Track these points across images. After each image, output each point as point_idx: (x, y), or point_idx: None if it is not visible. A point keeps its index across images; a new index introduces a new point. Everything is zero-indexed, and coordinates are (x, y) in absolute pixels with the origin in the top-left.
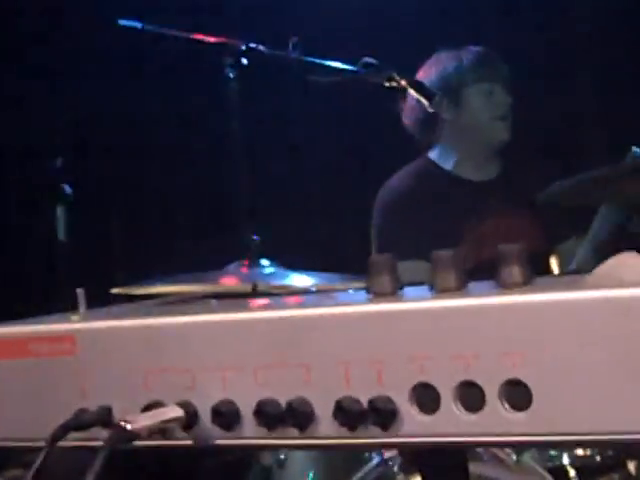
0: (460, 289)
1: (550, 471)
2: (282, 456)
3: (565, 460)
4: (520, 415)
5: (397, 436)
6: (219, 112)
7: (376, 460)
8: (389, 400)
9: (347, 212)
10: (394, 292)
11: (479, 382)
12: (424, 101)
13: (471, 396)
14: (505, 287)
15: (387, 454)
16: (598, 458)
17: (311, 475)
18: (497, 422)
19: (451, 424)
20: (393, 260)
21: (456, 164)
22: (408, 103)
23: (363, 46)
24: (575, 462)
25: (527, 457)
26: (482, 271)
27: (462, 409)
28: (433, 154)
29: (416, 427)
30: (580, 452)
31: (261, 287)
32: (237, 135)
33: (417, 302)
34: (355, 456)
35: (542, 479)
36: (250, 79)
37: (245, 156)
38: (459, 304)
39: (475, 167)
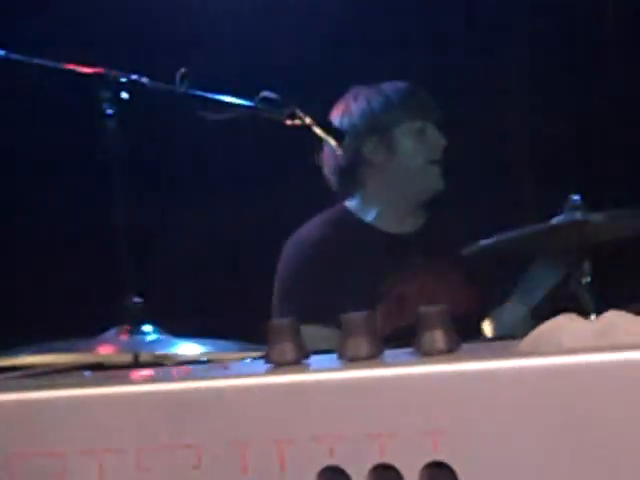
0: (374, 357)
1: None
2: None
3: None
4: None
5: None
6: (95, 154)
7: None
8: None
9: (244, 270)
10: (298, 361)
11: (396, 465)
12: (332, 142)
13: None
14: (426, 355)
15: None
16: None
17: None
18: None
19: None
20: (297, 324)
21: (378, 215)
22: (327, 149)
23: (263, 79)
24: None
25: None
26: (402, 337)
27: None
28: (351, 203)
29: None
30: None
31: (143, 357)
32: (116, 181)
33: (324, 373)
34: None
35: None
36: (131, 115)
37: (125, 206)
38: (372, 375)
39: (398, 218)
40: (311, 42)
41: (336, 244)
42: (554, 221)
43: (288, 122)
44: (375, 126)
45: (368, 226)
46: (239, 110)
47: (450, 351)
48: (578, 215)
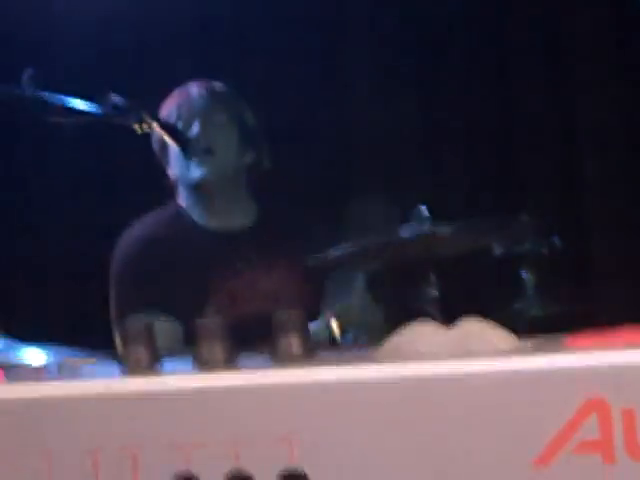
0: (230, 362)
1: None
2: None
3: None
4: None
5: None
6: None
7: None
8: None
9: (90, 273)
10: (152, 365)
11: (252, 473)
12: (176, 147)
13: None
14: (282, 360)
15: None
16: None
17: None
18: None
19: None
20: (151, 327)
21: (205, 212)
22: (171, 152)
23: (113, 81)
24: None
25: None
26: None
27: None
28: (182, 200)
29: None
30: None
31: None
32: None
33: (178, 379)
34: None
35: None
36: None
37: None
38: (225, 382)
39: (222, 214)
40: (153, 43)
41: (167, 242)
42: (402, 233)
43: (136, 128)
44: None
45: (195, 224)
46: (87, 115)
47: (306, 357)
48: (425, 227)
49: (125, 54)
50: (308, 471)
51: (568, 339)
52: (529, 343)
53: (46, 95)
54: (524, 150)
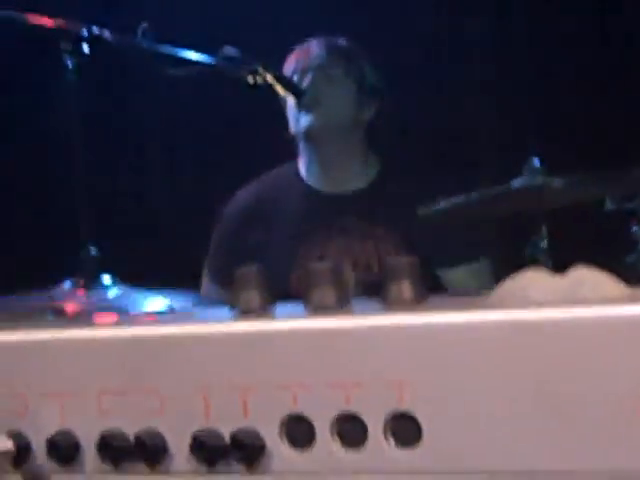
0: (341, 307)
1: None
2: None
3: None
4: (407, 452)
5: (264, 475)
6: (55, 107)
7: None
8: (256, 434)
9: (204, 223)
10: (263, 309)
11: (361, 415)
12: (292, 99)
13: (351, 431)
14: (393, 306)
15: None
16: None
17: None
18: (381, 460)
19: (328, 462)
20: (263, 273)
21: (309, 172)
22: (289, 107)
23: (224, 34)
24: None
25: None
26: None
27: (340, 445)
28: (300, 159)
29: (286, 465)
30: None
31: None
32: (75, 134)
33: (291, 321)
34: None
35: None
36: (92, 70)
37: (84, 157)
38: (339, 325)
39: (336, 174)
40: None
41: (271, 200)
42: (513, 184)
43: (250, 80)
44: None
45: (305, 185)
46: (201, 67)
47: (417, 302)
48: (538, 179)
49: (243, 6)
50: (417, 414)
51: None
52: None
53: (161, 47)
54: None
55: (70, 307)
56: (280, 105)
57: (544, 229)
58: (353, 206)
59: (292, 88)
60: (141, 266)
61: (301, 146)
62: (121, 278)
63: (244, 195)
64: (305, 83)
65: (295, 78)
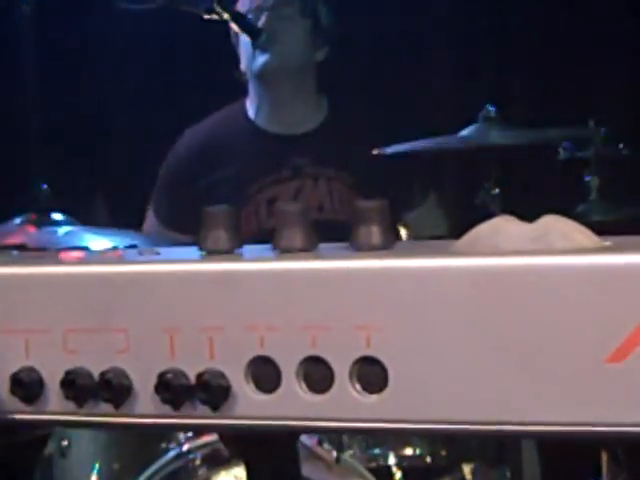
0: (309, 250)
1: (373, 472)
2: (65, 443)
3: (391, 460)
4: (373, 398)
5: (229, 417)
6: (8, 37)
7: (174, 452)
8: (221, 375)
9: (156, 161)
10: (232, 250)
11: (327, 358)
12: (247, 38)
13: (317, 374)
14: (361, 250)
15: (187, 445)
16: (429, 459)
17: (97, 467)
18: (346, 405)
19: (293, 405)
20: (232, 212)
21: (257, 112)
22: (242, 45)
23: None
24: (402, 462)
25: (348, 456)
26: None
27: (306, 389)
28: (250, 98)
29: (252, 407)
30: (409, 452)
31: None
32: (26, 65)
33: (259, 263)
34: (149, 447)
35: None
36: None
37: (35, 93)
38: (308, 267)
39: (287, 114)
40: None
41: (220, 139)
42: (467, 131)
43: (206, 16)
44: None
45: (253, 125)
46: (158, 1)
47: (385, 247)
48: (492, 126)
49: None
50: (384, 359)
51: None
52: (609, 242)
53: None
54: (595, 59)
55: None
56: (231, 43)
57: (497, 178)
58: (303, 147)
59: (248, 27)
60: (92, 205)
61: (252, 86)
62: (72, 216)
63: (193, 134)
64: (260, 22)
65: (249, 17)
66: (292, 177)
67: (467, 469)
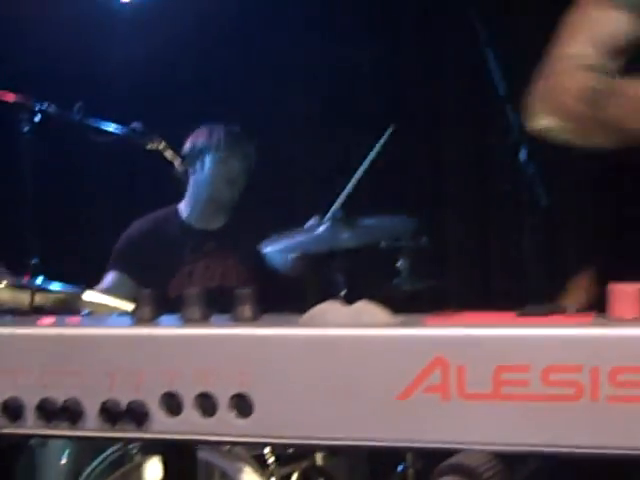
0: (205, 320)
1: (254, 457)
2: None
3: (266, 450)
4: (244, 421)
5: (148, 432)
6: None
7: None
8: (143, 404)
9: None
10: (152, 319)
11: (214, 393)
12: (175, 162)
13: (207, 404)
14: (237, 320)
15: None
16: (291, 449)
17: (67, 452)
18: (226, 426)
19: (190, 426)
20: (154, 294)
21: (191, 214)
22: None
23: (135, 112)
24: (274, 450)
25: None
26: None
27: (200, 414)
28: (180, 204)
29: (163, 426)
30: None
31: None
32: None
33: (170, 329)
34: None
35: (247, 464)
36: (41, 133)
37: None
38: (204, 332)
39: (205, 218)
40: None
41: (156, 231)
42: (318, 230)
43: (147, 146)
44: (196, 153)
45: (183, 222)
46: (116, 135)
47: (254, 319)
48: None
49: (153, 92)
50: (251, 394)
51: (427, 317)
52: (401, 318)
53: (89, 120)
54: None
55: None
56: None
57: (340, 262)
58: (214, 238)
59: (178, 155)
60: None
61: (197, 200)
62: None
63: (139, 224)
64: (207, 161)
65: (197, 153)
66: (204, 259)
67: (319, 456)
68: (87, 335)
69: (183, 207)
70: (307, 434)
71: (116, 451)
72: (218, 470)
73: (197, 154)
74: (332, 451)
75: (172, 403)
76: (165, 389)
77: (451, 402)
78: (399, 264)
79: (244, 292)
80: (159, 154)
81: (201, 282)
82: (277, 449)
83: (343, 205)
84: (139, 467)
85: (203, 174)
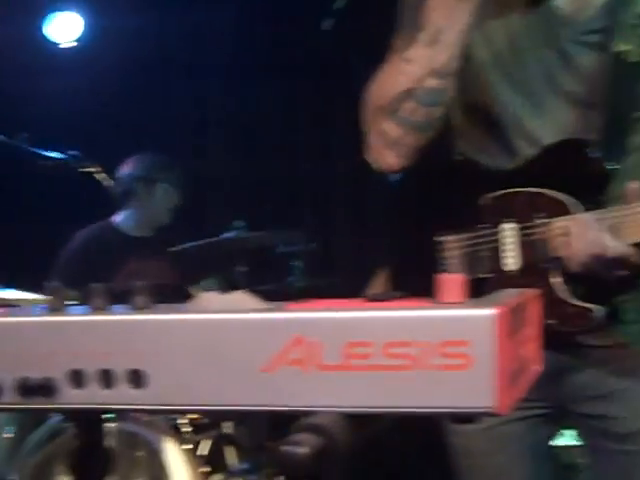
0: (106, 309)
1: (173, 427)
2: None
3: (183, 420)
4: (138, 392)
5: (56, 403)
6: None
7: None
8: (52, 379)
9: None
10: (62, 308)
11: (113, 369)
12: (106, 184)
13: (107, 378)
14: (134, 309)
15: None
16: (206, 419)
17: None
18: (123, 396)
19: (93, 397)
20: (64, 287)
21: (129, 226)
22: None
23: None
24: (191, 421)
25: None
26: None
27: (101, 387)
28: (118, 217)
29: (69, 398)
30: (195, 415)
31: None
32: None
33: (76, 316)
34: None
35: (164, 432)
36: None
37: None
38: (104, 319)
39: (141, 229)
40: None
41: (94, 239)
42: (226, 235)
43: (83, 170)
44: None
45: (119, 231)
46: (56, 161)
47: (147, 307)
48: (241, 232)
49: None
50: (147, 368)
51: (290, 304)
52: (268, 305)
53: (33, 148)
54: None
55: None
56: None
57: (245, 262)
58: (149, 244)
59: (110, 179)
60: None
61: (137, 217)
62: None
63: (82, 234)
64: (143, 185)
65: (133, 179)
66: (138, 261)
67: (226, 425)
68: (7, 322)
69: (120, 220)
70: (191, 402)
71: (54, 424)
72: (140, 439)
73: (133, 180)
74: (238, 420)
75: (77, 378)
76: (71, 367)
77: (309, 373)
78: (293, 264)
79: (139, 285)
80: (92, 177)
81: (137, 279)
82: (192, 420)
83: (246, 216)
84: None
85: (142, 196)
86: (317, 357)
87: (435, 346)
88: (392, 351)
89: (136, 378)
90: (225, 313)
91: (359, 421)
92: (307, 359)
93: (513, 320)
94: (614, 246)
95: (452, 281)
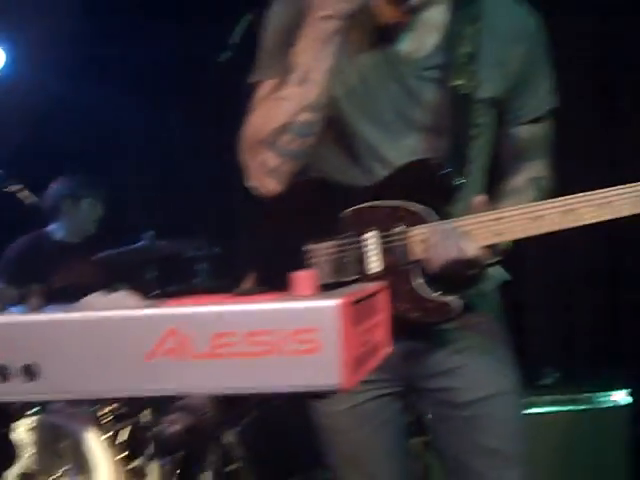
0: (2, 311)
1: (94, 418)
2: None
3: (104, 410)
4: (31, 384)
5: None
6: None
7: None
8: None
9: None
10: (39, 309)
11: (8, 364)
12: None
13: (3, 373)
14: (29, 310)
15: None
16: (122, 409)
17: None
18: (17, 388)
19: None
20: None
21: (63, 236)
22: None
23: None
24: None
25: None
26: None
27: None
28: (50, 227)
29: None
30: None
31: None
32: None
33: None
34: None
35: (86, 423)
36: None
37: None
38: (20, 319)
39: (70, 236)
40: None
41: (29, 246)
42: (137, 245)
43: (6, 190)
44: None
45: (53, 238)
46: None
47: (40, 308)
48: (152, 242)
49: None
50: (39, 361)
51: (168, 300)
52: (148, 302)
53: None
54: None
55: None
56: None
57: (156, 267)
58: (80, 250)
59: (34, 196)
60: None
61: (68, 228)
62: None
63: (18, 242)
64: (67, 202)
65: (59, 196)
66: (69, 265)
67: (146, 412)
68: None
69: (53, 229)
70: (81, 391)
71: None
72: (63, 430)
73: (61, 197)
74: (154, 409)
75: (26, 370)
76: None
77: (182, 361)
78: (199, 267)
79: (34, 288)
80: (15, 195)
81: (68, 280)
82: (115, 410)
83: (156, 227)
84: None
85: (70, 210)
86: (189, 347)
87: (289, 334)
88: (253, 339)
89: (28, 371)
90: (107, 311)
91: (227, 401)
92: (180, 349)
93: (358, 309)
94: (470, 250)
95: (304, 277)
